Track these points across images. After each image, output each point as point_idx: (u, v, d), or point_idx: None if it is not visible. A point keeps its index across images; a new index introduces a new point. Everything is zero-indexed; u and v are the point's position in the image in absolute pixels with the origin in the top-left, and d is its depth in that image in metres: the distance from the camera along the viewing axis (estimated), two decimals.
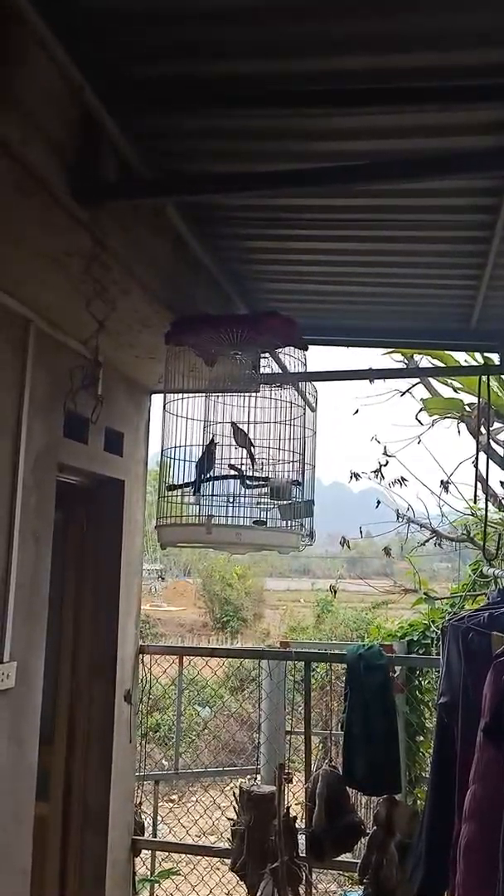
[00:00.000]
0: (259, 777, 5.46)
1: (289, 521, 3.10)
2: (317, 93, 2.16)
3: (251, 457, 3.04)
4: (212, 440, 3.06)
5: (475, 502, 5.57)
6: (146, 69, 2.16)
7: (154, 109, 2.29)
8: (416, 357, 5.84)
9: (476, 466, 4.61)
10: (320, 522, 3.59)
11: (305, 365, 3.21)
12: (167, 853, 4.96)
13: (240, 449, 3.06)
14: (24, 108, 1.91)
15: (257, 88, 2.18)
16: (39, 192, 2.08)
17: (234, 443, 3.06)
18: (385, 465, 6.02)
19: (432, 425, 5.94)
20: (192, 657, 5.53)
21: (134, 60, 2.12)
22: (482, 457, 4.74)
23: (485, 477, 4.61)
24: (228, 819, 4.05)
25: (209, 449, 3.03)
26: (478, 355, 4.68)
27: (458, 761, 2.81)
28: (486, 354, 4.36)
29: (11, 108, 1.86)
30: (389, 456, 6.01)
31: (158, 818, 4.77)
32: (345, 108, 2.19)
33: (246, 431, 3.04)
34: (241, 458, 3.07)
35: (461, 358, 5.29)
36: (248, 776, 5.95)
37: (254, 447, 3.05)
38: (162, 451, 3.07)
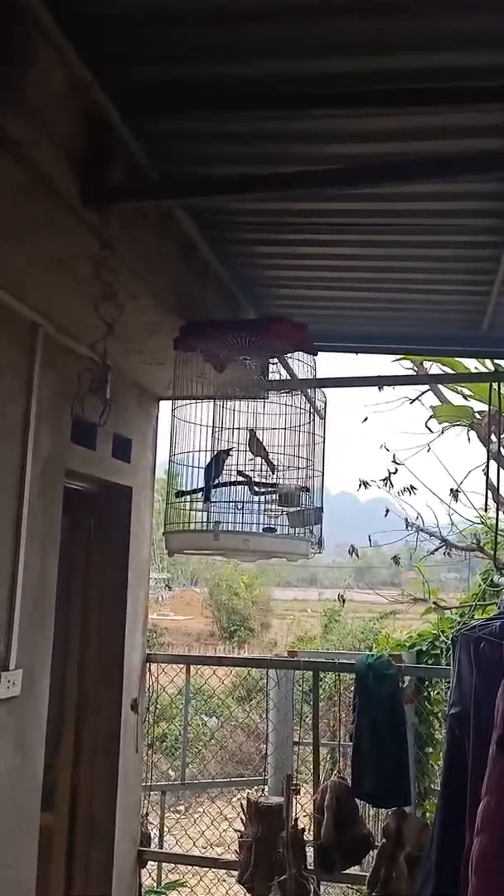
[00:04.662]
0: (267, 788, 5.40)
1: (298, 528, 3.07)
2: (326, 95, 2.14)
3: (270, 465, 3.00)
4: (227, 450, 3.02)
5: (485, 511, 5.53)
6: (156, 70, 2.15)
7: (163, 111, 2.27)
8: (426, 364, 5.80)
9: (486, 474, 4.58)
10: (328, 532, 3.56)
11: (315, 370, 3.19)
12: (174, 865, 4.91)
13: (252, 455, 3.03)
14: (34, 109, 1.90)
15: (267, 90, 2.16)
16: (47, 193, 2.07)
17: (247, 449, 3.03)
18: (394, 473, 5.98)
19: (442, 433, 5.89)
20: (199, 666, 5.47)
21: (144, 62, 2.11)
22: (493, 465, 4.71)
23: (495, 485, 4.57)
24: (236, 830, 4.00)
25: (219, 456, 3.00)
26: (488, 362, 4.65)
27: (469, 773, 2.77)
28: (496, 361, 4.33)
29: (21, 108, 1.84)
30: (398, 464, 5.97)
31: (165, 829, 4.72)
32: (354, 109, 2.17)
33: (260, 440, 3.01)
34: (255, 465, 3.03)
35: (471, 365, 5.26)
36: (256, 787, 5.89)
37: (268, 454, 3.01)
38: (170, 456, 3.04)
